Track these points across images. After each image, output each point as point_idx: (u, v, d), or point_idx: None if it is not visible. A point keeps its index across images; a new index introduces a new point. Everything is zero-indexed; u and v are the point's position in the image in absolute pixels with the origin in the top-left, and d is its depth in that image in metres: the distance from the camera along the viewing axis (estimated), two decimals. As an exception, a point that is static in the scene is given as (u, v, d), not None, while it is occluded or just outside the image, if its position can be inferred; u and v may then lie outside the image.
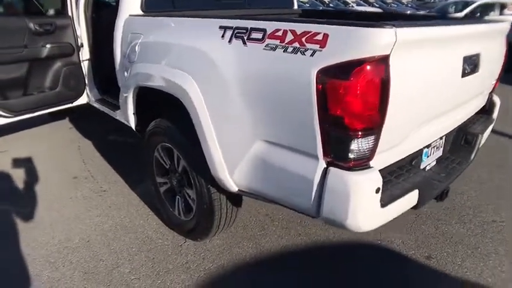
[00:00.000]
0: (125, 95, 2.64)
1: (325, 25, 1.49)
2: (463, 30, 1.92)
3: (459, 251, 2.52)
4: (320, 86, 1.47)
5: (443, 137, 2.24)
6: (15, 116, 3.10)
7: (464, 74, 1.93)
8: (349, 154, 1.50)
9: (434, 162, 2.27)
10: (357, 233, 2.52)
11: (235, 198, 2.31)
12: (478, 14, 11.30)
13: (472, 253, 2.50)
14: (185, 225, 2.52)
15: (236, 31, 1.80)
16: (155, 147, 2.54)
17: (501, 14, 10.77)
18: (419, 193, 1.83)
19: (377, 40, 1.41)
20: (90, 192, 3.19)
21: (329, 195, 1.55)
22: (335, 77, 1.45)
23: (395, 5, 22.72)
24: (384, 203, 1.62)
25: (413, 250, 2.53)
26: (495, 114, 2.69)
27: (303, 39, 1.53)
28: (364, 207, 1.55)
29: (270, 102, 1.66)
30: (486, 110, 2.67)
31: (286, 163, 1.69)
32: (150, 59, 2.32)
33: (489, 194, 3.19)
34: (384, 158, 1.68)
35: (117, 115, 3.13)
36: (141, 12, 2.69)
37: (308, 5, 16.28)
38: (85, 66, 3.41)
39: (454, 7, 12.39)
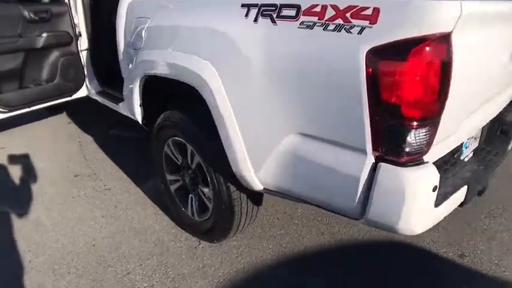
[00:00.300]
0: (130, 85, 2.41)
1: (374, -2, 1.28)
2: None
3: (493, 248, 2.35)
4: (370, 69, 1.26)
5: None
6: (11, 111, 2.87)
7: (512, 56, 1.74)
8: (405, 148, 1.30)
9: (471, 154, 2.09)
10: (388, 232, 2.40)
11: (256, 197, 2.11)
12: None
13: (508, 250, 2.33)
14: (200, 226, 2.32)
15: (262, 9, 1.57)
16: (165, 142, 2.33)
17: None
18: (467, 189, 1.64)
19: (439, 14, 1.20)
20: (94, 191, 2.97)
21: (379, 194, 1.35)
22: (389, 58, 1.25)
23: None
24: (437, 202, 1.43)
25: (444, 248, 2.35)
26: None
27: (348, 15, 1.31)
28: (420, 207, 1.36)
29: (307, 90, 1.45)
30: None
31: (325, 159, 1.48)
32: (159, 45, 2.09)
33: (518, 186, 3.02)
34: (435, 151, 1.48)
35: (121, 108, 2.91)
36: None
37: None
38: (83, 56, 3.17)
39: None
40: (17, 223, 2.62)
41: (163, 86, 2.16)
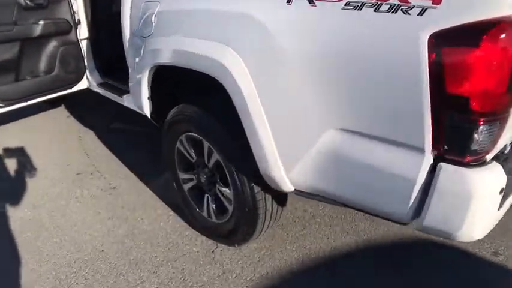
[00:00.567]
0: (138, 76, 2.21)
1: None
2: None
3: (528, 246, 2.21)
4: (434, 56, 1.09)
5: None
6: (7, 105, 2.66)
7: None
8: (471, 146, 1.14)
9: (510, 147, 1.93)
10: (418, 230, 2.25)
11: (281, 197, 1.94)
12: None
13: (544, 247, 2.19)
14: (218, 229, 2.16)
15: (296, -13, 1.39)
16: (178, 138, 2.14)
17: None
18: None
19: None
20: (98, 190, 2.78)
21: (438, 198, 1.19)
22: (456, 44, 1.07)
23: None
24: (500, 205, 1.27)
25: (477, 246, 2.20)
26: None
27: (404, -6, 1.13)
28: (484, 212, 1.20)
29: (354, 80, 1.27)
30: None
31: (372, 158, 1.31)
32: (172, 31, 1.89)
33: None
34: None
35: (125, 101, 2.71)
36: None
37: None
38: (83, 46, 2.95)
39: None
40: (16, 227, 2.43)
41: (176, 77, 1.97)
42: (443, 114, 1.13)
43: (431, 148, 1.18)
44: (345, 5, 1.24)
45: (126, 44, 2.34)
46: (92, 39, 2.97)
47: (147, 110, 2.32)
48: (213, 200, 2.14)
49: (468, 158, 1.16)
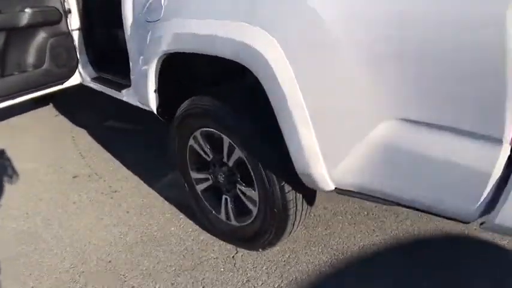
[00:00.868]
0: (143, 67, 1.99)
1: None
2: None
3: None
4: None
5: None
6: (-8, 104, 2.40)
7: None
8: None
9: None
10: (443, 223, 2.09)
11: (311, 196, 1.76)
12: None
13: None
14: (239, 232, 1.97)
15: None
16: (191, 135, 1.94)
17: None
18: None
19: None
20: (98, 194, 2.55)
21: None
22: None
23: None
24: None
25: (506, 238, 2.07)
26: None
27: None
28: None
29: (422, 64, 1.09)
30: None
31: (438, 150, 1.14)
32: (187, 13, 1.67)
33: None
34: None
35: (124, 95, 2.49)
36: None
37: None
38: (74, 37, 2.70)
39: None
40: (10, 239, 2.19)
41: (191, 66, 1.76)
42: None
43: (510, 139, 1.02)
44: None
45: (127, 32, 2.11)
46: (84, 29, 2.72)
47: (153, 104, 2.10)
48: (233, 202, 1.94)
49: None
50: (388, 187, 1.30)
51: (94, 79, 2.76)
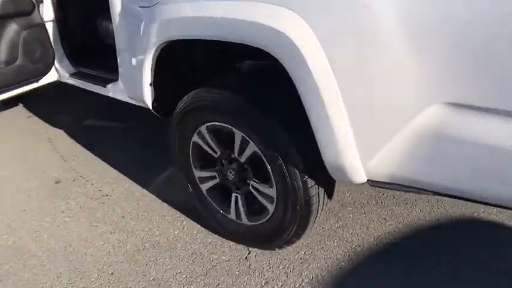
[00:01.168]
0: (138, 57, 1.82)
1: None
2: None
3: None
4: None
5: None
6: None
7: None
8: None
9: None
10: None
11: (331, 189, 1.66)
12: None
13: None
14: (251, 232, 1.85)
15: None
16: (195, 130, 1.78)
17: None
18: None
19: None
20: (88, 199, 2.35)
21: None
22: None
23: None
24: None
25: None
26: None
27: None
28: None
29: (473, 40, 1.00)
30: None
31: (496, 136, 1.05)
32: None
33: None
34: None
35: (110, 91, 2.30)
36: None
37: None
38: (49, 30, 2.45)
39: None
40: (-4, 256, 1.97)
41: (195, 55, 1.60)
42: None
43: None
44: None
45: (115, 21, 1.91)
46: (59, 21, 2.48)
47: (148, 99, 1.93)
48: (244, 200, 1.81)
49: None
50: (432, 176, 1.21)
51: (73, 75, 2.54)
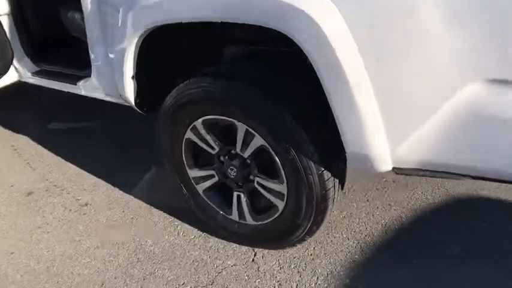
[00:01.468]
0: (117, 47, 1.61)
1: None
2: None
3: None
4: None
5: None
6: None
7: None
8: None
9: None
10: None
11: (344, 179, 1.55)
12: None
13: None
14: (257, 232, 1.71)
15: None
16: (189, 125, 1.61)
17: None
18: None
19: None
20: (66, 211, 2.12)
21: None
22: None
23: None
24: None
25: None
26: None
27: None
28: None
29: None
30: None
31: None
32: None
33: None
34: None
35: (82, 88, 2.07)
36: None
37: None
38: (4, 25, 2.17)
39: None
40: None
41: (179, 42, 1.43)
42: None
43: None
44: None
45: (86, 9, 1.68)
46: (15, 14, 2.19)
47: (130, 94, 1.73)
48: (247, 198, 1.67)
49: None
50: (469, 160, 1.11)
51: (36, 73, 2.27)
